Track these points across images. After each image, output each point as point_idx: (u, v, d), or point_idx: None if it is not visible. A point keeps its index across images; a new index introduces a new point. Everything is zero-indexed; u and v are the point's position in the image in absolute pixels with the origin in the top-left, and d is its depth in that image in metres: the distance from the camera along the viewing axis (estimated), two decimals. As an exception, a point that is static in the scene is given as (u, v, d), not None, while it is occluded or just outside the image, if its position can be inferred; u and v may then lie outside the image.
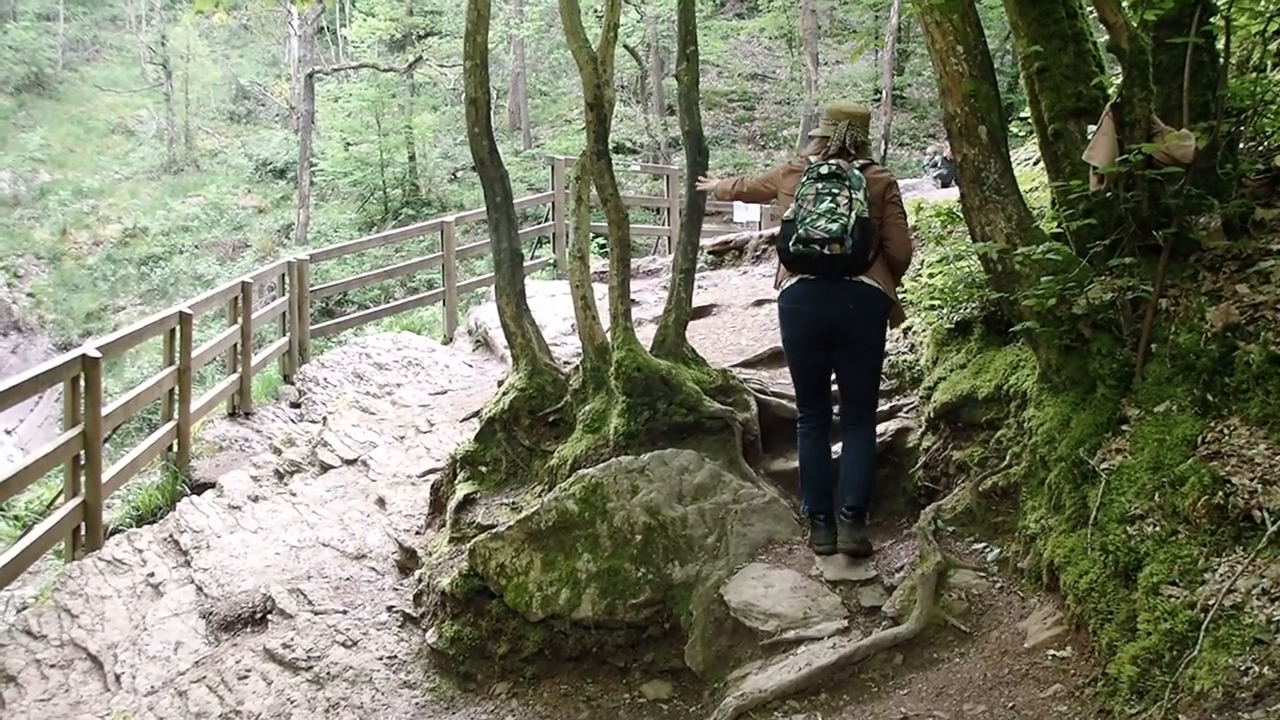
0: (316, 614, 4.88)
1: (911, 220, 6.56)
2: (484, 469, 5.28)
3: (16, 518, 7.78)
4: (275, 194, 28.84)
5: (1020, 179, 4.26)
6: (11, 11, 35.20)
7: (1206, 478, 2.88)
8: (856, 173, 4.17)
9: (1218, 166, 3.85)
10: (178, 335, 7.91)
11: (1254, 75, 4.42)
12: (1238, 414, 3.07)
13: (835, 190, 4.12)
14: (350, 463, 6.84)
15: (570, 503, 4.32)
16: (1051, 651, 3.22)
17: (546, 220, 15.01)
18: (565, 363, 6.00)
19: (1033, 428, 3.86)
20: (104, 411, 6.52)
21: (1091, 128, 3.81)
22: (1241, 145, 4.22)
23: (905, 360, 5.59)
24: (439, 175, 27.25)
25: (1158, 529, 2.98)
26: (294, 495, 6.56)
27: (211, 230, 27.25)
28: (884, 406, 5.17)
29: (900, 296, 4.81)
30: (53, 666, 5.09)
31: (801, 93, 25.58)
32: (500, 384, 6.09)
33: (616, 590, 4.13)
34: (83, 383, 6.24)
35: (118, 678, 4.85)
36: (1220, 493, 2.83)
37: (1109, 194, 3.70)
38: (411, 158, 26.64)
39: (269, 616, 5.00)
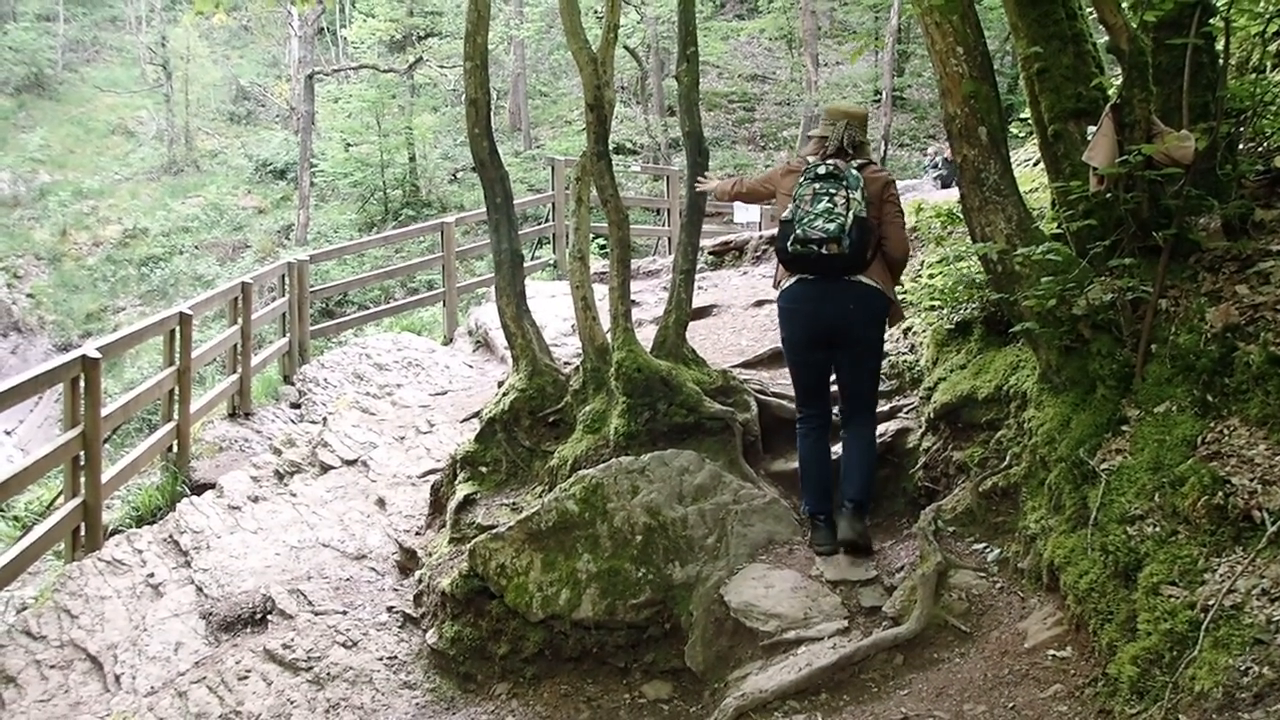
0: (317, 614, 4.88)
1: (911, 221, 6.56)
2: (484, 469, 5.28)
3: (16, 518, 7.78)
4: (275, 195, 28.85)
5: (1020, 180, 4.26)
6: (11, 12, 35.22)
7: (1206, 478, 2.88)
8: (854, 172, 4.18)
9: (1217, 167, 3.85)
10: (178, 336, 7.90)
11: (1253, 76, 4.42)
12: (1237, 414, 3.07)
13: (833, 190, 4.13)
14: (350, 463, 6.84)
15: (570, 503, 4.32)
16: (1052, 652, 3.22)
17: (547, 221, 15.02)
18: (565, 363, 6.00)
19: (1033, 428, 3.86)
20: (104, 412, 6.52)
21: (1091, 129, 3.82)
22: (1241, 146, 4.22)
23: (905, 361, 5.59)
24: (439, 176, 27.26)
25: (1158, 529, 2.98)
26: (294, 496, 6.56)
27: (211, 231, 27.26)
28: (884, 407, 5.18)
29: (900, 296, 4.82)
30: (52, 667, 5.08)
31: (801, 94, 25.60)
32: (500, 385, 6.09)
33: (617, 591, 4.13)
34: (82, 383, 6.24)
35: (117, 678, 4.85)
36: (1220, 493, 2.83)
37: (1109, 195, 3.70)
38: (412, 158, 26.65)
39: (269, 617, 5.00)
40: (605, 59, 5.38)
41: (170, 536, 6.20)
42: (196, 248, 26.56)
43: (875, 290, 4.22)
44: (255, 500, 6.62)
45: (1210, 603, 2.63)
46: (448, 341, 11.37)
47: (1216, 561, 2.75)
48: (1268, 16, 4.21)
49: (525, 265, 6.39)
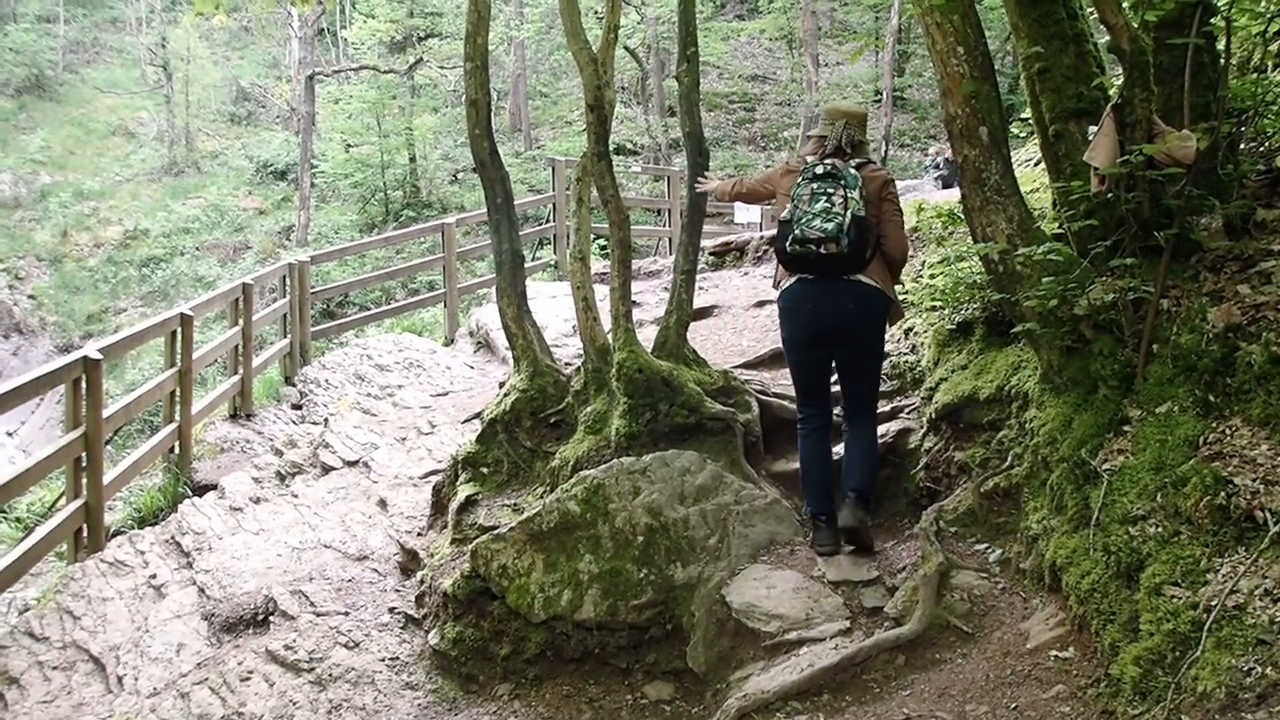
0: (318, 615, 4.89)
1: (912, 221, 6.57)
2: (485, 470, 5.29)
3: (18, 520, 7.78)
4: (276, 196, 28.87)
5: (1021, 180, 4.26)
6: (12, 14, 35.25)
7: (1209, 478, 2.88)
8: (852, 171, 4.19)
9: (1219, 167, 3.85)
10: (179, 337, 7.91)
11: (1255, 76, 4.42)
12: (1240, 414, 3.07)
13: (830, 190, 4.14)
14: (352, 464, 6.85)
15: (572, 504, 4.32)
16: (1054, 652, 3.22)
17: (547, 222, 15.02)
18: (567, 364, 6.00)
19: (1034, 428, 3.86)
20: (105, 413, 6.52)
21: (1092, 129, 3.82)
22: (1242, 146, 4.22)
23: (907, 361, 5.59)
24: (440, 177, 27.27)
25: (1160, 530, 2.98)
26: (295, 497, 6.56)
27: (212, 232, 27.28)
28: (885, 407, 5.18)
29: (901, 296, 4.82)
30: (55, 668, 5.09)
31: (802, 94, 25.60)
32: (501, 385, 6.09)
33: (618, 591, 4.13)
34: (84, 385, 6.24)
35: (120, 679, 4.86)
36: (1222, 493, 2.83)
37: (1110, 195, 3.70)
38: (412, 159, 26.66)
39: (271, 618, 5.00)
40: (605, 59, 5.38)
41: (172, 538, 6.20)
42: (197, 249, 26.58)
43: (875, 290, 4.22)
44: (257, 501, 6.62)
45: (1213, 603, 2.63)
46: (449, 342, 11.37)
47: (1219, 562, 2.75)
48: (1269, 16, 4.21)
49: (526, 266, 6.39)
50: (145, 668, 4.88)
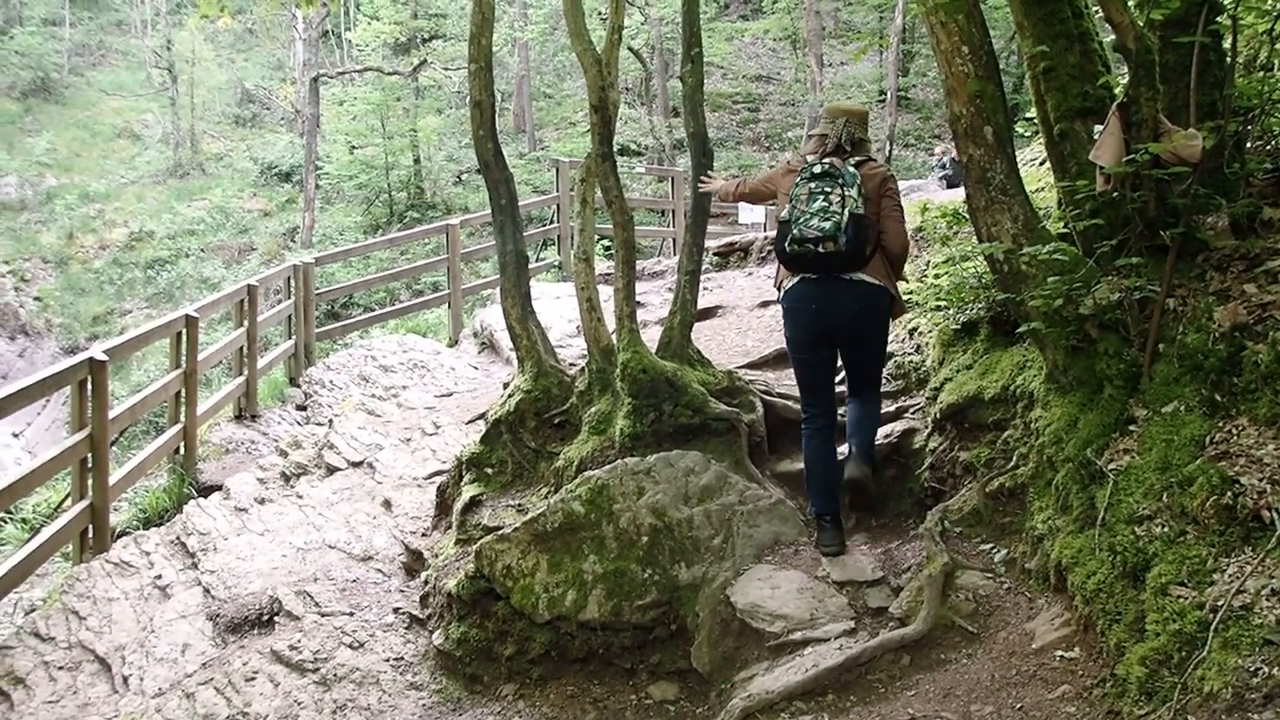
0: (323, 616, 4.89)
1: (917, 221, 6.56)
2: (490, 471, 5.29)
3: (24, 520, 7.78)
4: (280, 197, 28.92)
5: (1026, 179, 4.25)
6: (18, 17, 35.38)
7: (1215, 478, 2.87)
8: (851, 169, 4.19)
9: (1225, 166, 3.84)
10: (184, 338, 7.92)
11: (1261, 74, 4.40)
12: (1246, 414, 3.06)
13: (828, 189, 4.15)
14: (356, 465, 6.85)
15: (576, 504, 4.32)
16: (1059, 652, 3.21)
17: (551, 222, 15.03)
18: (571, 365, 6.00)
19: (1040, 428, 3.85)
20: (111, 414, 6.53)
21: (1098, 128, 3.81)
22: (1249, 144, 4.20)
23: (911, 361, 5.58)
24: (444, 178, 27.30)
25: (1166, 529, 2.97)
26: (300, 497, 6.57)
27: (217, 234, 27.34)
28: (890, 407, 5.17)
29: (906, 296, 4.82)
30: (61, 669, 5.10)
31: (806, 94, 25.60)
32: (506, 386, 6.09)
33: (623, 592, 4.12)
34: (90, 386, 6.25)
35: (125, 680, 4.86)
36: (1229, 493, 2.82)
37: (1116, 194, 3.69)
38: (416, 161, 26.69)
39: (276, 618, 5.01)
40: (610, 60, 5.38)
41: (177, 538, 6.21)
42: (202, 250, 26.63)
43: (878, 288, 4.24)
44: (262, 502, 6.63)
45: (1219, 603, 2.62)
46: (453, 343, 11.38)
47: (1225, 562, 2.74)
48: (1275, 14, 4.20)
49: (530, 267, 6.39)
50: (150, 668, 4.89)
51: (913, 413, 5.13)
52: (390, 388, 9.08)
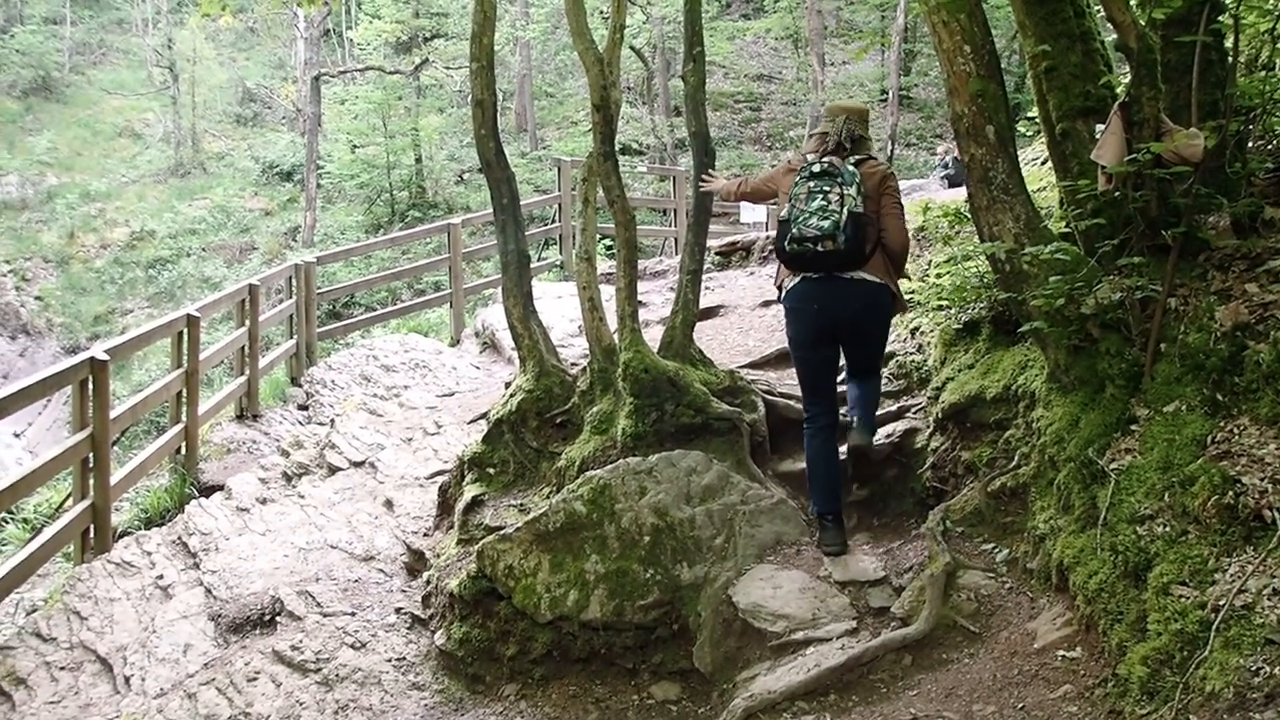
0: (325, 616, 4.89)
1: (919, 221, 6.55)
2: (492, 471, 5.29)
3: (25, 520, 7.79)
4: (282, 197, 28.93)
5: (1028, 179, 4.25)
6: (19, 15, 35.38)
7: (1216, 477, 2.87)
8: (850, 168, 4.20)
9: (1227, 165, 3.84)
10: (185, 338, 7.92)
11: (1263, 74, 4.40)
12: (1248, 413, 3.06)
13: (827, 188, 4.17)
14: (358, 465, 6.85)
15: (578, 504, 4.32)
16: (1061, 652, 3.21)
17: (553, 222, 15.03)
18: (573, 364, 6.00)
19: (1041, 428, 3.85)
20: (112, 414, 6.53)
21: (1100, 127, 3.80)
22: (1250, 144, 4.20)
23: (913, 360, 5.58)
24: (445, 177, 27.29)
25: (1168, 529, 2.97)
26: (302, 497, 6.57)
27: (218, 233, 27.34)
28: (892, 407, 5.18)
29: (907, 296, 4.83)
30: (62, 669, 5.10)
31: (808, 93, 25.59)
32: (508, 386, 6.09)
33: (625, 591, 4.13)
34: (91, 385, 6.26)
35: (127, 680, 4.87)
36: (1230, 492, 2.82)
37: (1117, 193, 3.69)
38: (418, 160, 26.69)
39: (278, 618, 5.01)
40: (611, 59, 5.38)
41: (179, 538, 6.21)
42: (204, 250, 26.63)
43: (879, 286, 4.25)
44: (263, 502, 6.63)
45: (1221, 603, 2.62)
46: (455, 343, 11.38)
47: (1227, 561, 2.74)
48: (1277, 14, 4.19)
49: (532, 266, 6.39)
50: (152, 668, 4.89)
51: (914, 412, 5.13)
52: (392, 387, 9.08)
